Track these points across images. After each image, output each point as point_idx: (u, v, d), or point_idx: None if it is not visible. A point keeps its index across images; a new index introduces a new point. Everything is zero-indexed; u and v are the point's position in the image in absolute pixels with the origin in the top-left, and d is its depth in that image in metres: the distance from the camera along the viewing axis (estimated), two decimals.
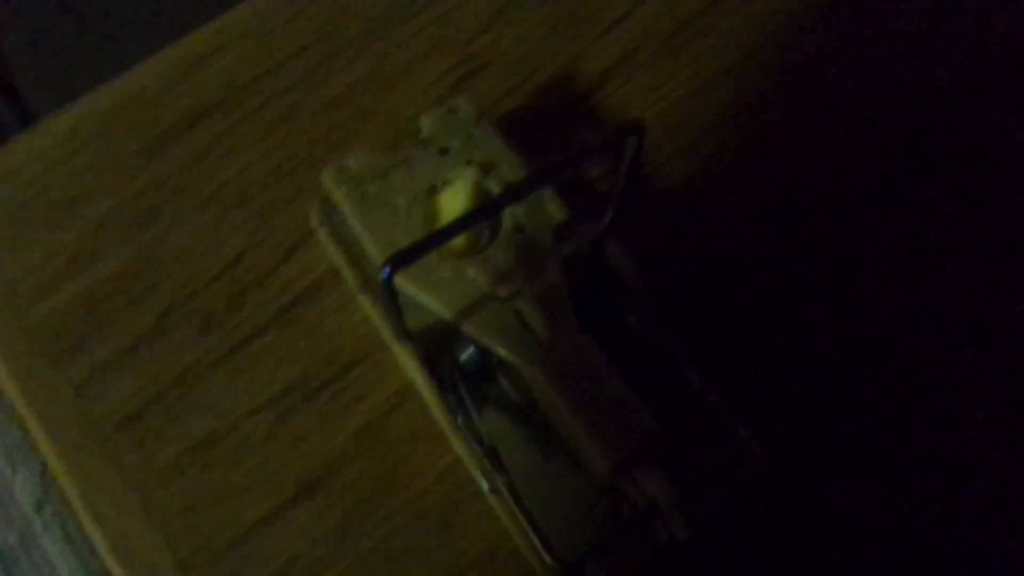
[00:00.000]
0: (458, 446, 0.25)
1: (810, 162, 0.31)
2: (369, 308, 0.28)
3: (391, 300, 0.21)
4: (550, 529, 0.24)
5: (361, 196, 0.27)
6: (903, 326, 0.29)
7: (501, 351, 0.24)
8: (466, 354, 0.25)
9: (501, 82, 0.32)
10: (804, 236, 0.30)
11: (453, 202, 0.26)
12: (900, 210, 0.31)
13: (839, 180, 0.31)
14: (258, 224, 0.30)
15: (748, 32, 0.33)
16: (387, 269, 0.20)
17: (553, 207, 0.28)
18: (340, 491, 0.26)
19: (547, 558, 0.23)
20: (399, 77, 0.33)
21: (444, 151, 0.27)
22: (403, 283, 0.25)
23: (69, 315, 0.29)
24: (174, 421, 0.28)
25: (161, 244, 0.30)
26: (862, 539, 0.26)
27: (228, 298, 0.29)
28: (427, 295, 0.25)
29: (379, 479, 0.26)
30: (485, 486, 0.24)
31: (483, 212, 0.21)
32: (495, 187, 0.27)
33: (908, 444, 0.27)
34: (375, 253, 0.26)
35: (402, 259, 0.20)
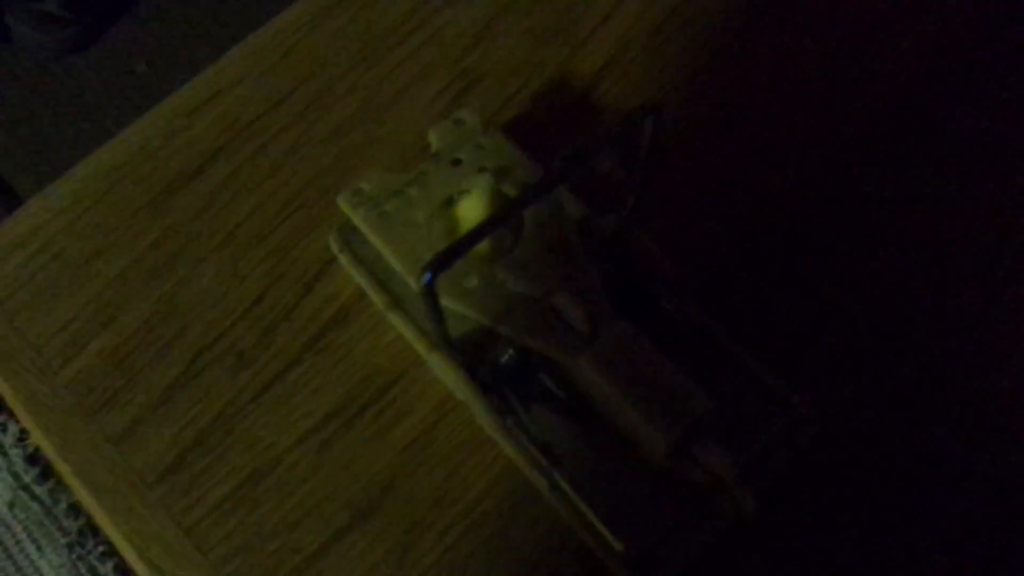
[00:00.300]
0: (509, 449, 0.25)
1: (822, 138, 0.32)
2: (401, 326, 0.28)
3: (433, 306, 0.21)
4: (612, 519, 0.24)
5: (380, 216, 0.27)
6: (935, 304, 0.29)
7: (542, 348, 0.24)
8: (505, 356, 0.25)
9: (497, 93, 0.33)
10: (820, 213, 0.30)
11: (472, 210, 0.27)
12: (911, 183, 0.31)
13: (848, 154, 0.31)
14: (276, 260, 0.31)
15: (737, 12, 0.34)
16: (427, 274, 0.20)
17: (571, 205, 0.28)
18: (394, 511, 0.26)
19: (618, 544, 0.22)
20: (396, 101, 0.33)
21: (456, 162, 0.28)
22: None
23: (98, 372, 0.29)
24: (217, 462, 0.27)
25: (181, 292, 0.30)
26: (924, 490, 0.26)
27: (256, 335, 0.29)
28: (460, 304, 0.25)
29: (431, 494, 0.26)
30: (544, 484, 0.24)
31: (513, 207, 0.22)
32: (512, 190, 0.27)
33: (950, 389, 0.27)
34: (403, 269, 0.26)
35: (441, 262, 0.20)
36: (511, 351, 0.25)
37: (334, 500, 0.26)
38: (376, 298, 0.28)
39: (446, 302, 0.25)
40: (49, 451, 0.28)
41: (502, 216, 0.21)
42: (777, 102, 0.32)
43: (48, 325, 0.30)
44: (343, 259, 0.29)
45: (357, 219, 0.27)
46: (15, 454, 0.37)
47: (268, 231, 0.31)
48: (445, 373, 0.26)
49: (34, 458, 0.36)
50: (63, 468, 0.28)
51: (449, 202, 0.27)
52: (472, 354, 0.26)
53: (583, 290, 0.25)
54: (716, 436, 0.23)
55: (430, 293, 0.20)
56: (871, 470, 0.26)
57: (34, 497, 0.36)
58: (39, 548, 0.35)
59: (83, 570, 0.35)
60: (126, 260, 0.31)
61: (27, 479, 0.36)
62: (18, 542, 0.36)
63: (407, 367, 0.28)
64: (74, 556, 0.35)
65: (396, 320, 0.28)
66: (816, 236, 0.30)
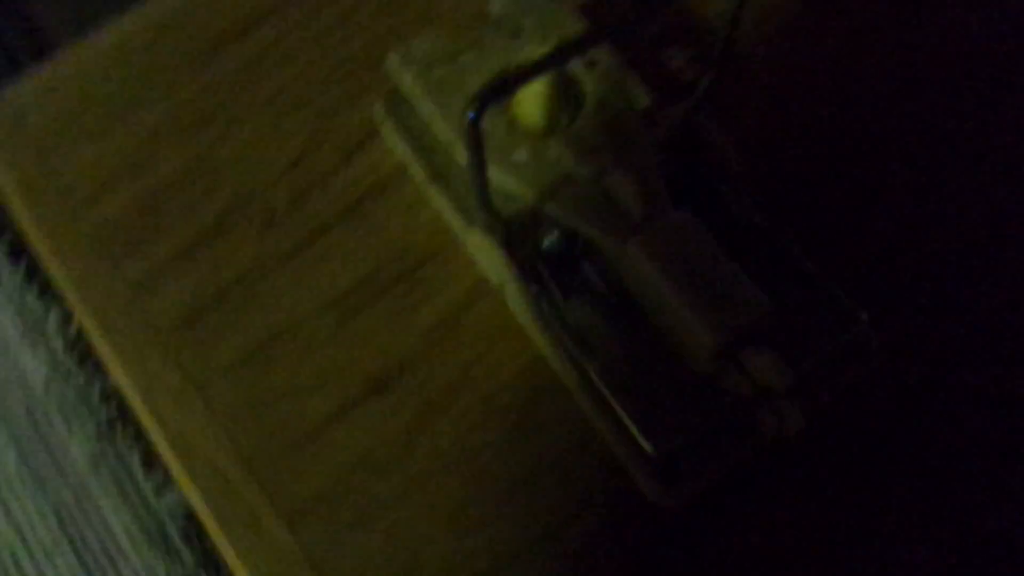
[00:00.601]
0: (540, 338, 0.24)
1: (913, 45, 0.29)
2: (440, 200, 0.26)
3: (477, 145, 0.19)
4: (643, 420, 0.22)
5: (429, 81, 0.25)
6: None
7: (588, 231, 0.23)
8: (549, 240, 0.24)
9: None
10: (906, 125, 0.28)
11: (534, 83, 0.25)
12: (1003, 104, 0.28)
13: (939, 67, 0.29)
14: (318, 126, 0.29)
15: None
16: (474, 109, 0.18)
17: (638, 93, 0.26)
18: (412, 389, 0.25)
19: (647, 445, 0.21)
20: None
21: (517, 32, 0.26)
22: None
23: (125, 218, 0.28)
24: (236, 320, 0.26)
25: (218, 148, 0.29)
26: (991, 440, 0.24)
27: (290, 197, 0.28)
28: (507, 178, 0.24)
29: (451, 378, 0.25)
30: (574, 377, 0.22)
31: (577, 45, 0.19)
32: (576, 65, 0.25)
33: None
34: (449, 137, 0.25)
35: (490, 95, 0.18)
36: (556, 234, 0.24)
37: (350, 371, 0.25)
38: (417, 169, 0.26)
39: (493, 172, 0.24)
40: (68, 293, 0.28)
41: (563, 54, 0.19)
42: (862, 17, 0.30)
43: (81, 168, 0.29)
44: (387, 127, 0.27)
45: (405, 82, 0.26)
46: (56, 336, 0.37)
47: (313, 96, 0.30)
48: (481, 252, 0.24)
49: (74, 342, 0.36)
50: (81, 310, 0.27)
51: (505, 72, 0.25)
52: (513, 234, 0.24)
53: (641, 173, 0.23)
54: (770, 344, 0.21)
55: (475, 132, 0.19)
56: (928, 410, 0.24)
57: (70, 379, 0.36)
58: (70, 429, 0.35)
59: (111, 456, 0.35)
60: (165, 112, 0.30)
61: (67, 361, 0.36)
62: (50, 422, 0.36)
63: (442, 246, 0.27)
64: (104, 442, 0.35)
65: (436, 194, 0.26)
66: (901, 162, 0.28)
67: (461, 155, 0.24)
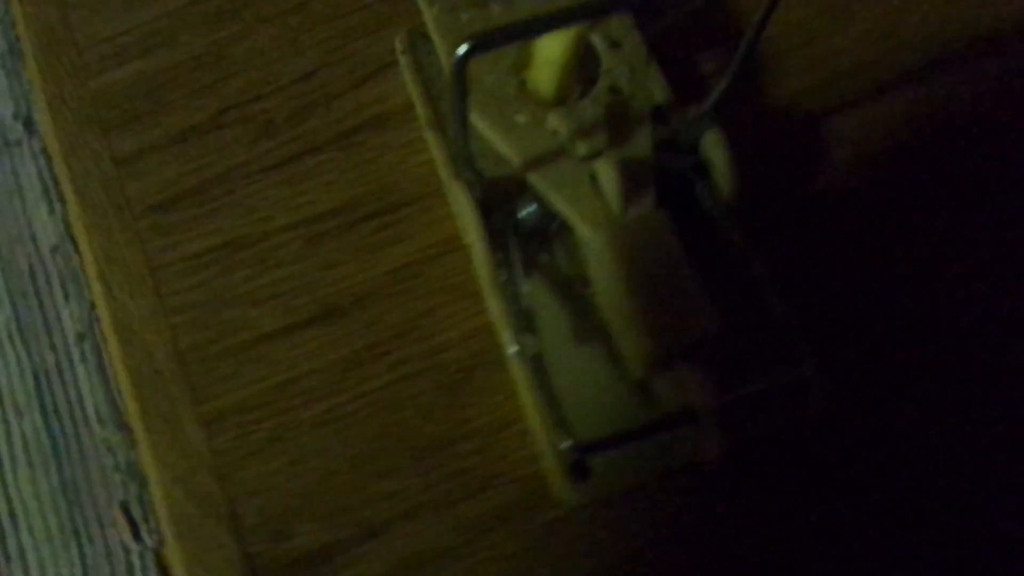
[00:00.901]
0: (493, 304, 0.23)
1: (944, 102, 0.27)
2: (434, 147, 0.26)
3: (461, 93, 0.18)
4: (568, 414, 0.22)
5: (452, 22, 0.25)
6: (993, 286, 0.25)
7: (565, 210, 0.22)
8: (526, 211, 0.23)
9: None
10: (917, 180, 0.26)
11: (551, 47, 0.24)
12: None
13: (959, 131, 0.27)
14: (340, 44, 0.29)
15: None
16: (463, 49, 0.17)
17: (656, 87, 0.25)
18: (359, 325, 0.25)
19: (561, 437, 0.20)
20: None
21: None
22: (476, 119, 0.23)
23: (129, 91, 0.28)
24: (208, 217, 0.26)
25: (236, 43, 0.29)
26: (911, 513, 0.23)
27: (292, 109, 0.28)
28: (499, 137, 0.23)
29: (402, 324, 0.25)
30: (513, 351, 0.22)
31: (585, 11, 0.19)
32: (599, 42, 0.24)
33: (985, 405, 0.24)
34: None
35: (485, 41, 0.17)
36: (535, 207, 0.23)
37: (304, 293, 0.25)
38: (421, 110, 0.26)
39: (486, 127, 0.23)
40: (56, 153, 0.28)
41: (570, 15, 0.18)
42: (917, 61, 0.28)
43: (98, 32, 0.29)
44: (403, 61, 0.27)
45: (430, 18, 0.25)
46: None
47: (342, 12, 0.29)
48: (459, 206, 0.24)
49: None
50: (63, 169, 0.27)
51: None
52: (494, 198, 0.23)
53: (632, 167, 0.22)
54: (708, 364, 0.20)
55: (459, 73, 0.18)
56: (871, 470, 0.23)
57: (77, 249, 0.36)
58: (66, 297, 0.36)
59: (96, 335, 0.35)
60: None
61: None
62: (50, 287, 0.36)
63: (427, 193, 0.26)
64: (94, 315, 0.35)
65: (432, 139, 0.25)
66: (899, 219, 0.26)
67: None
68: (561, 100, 0.24)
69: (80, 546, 0.41)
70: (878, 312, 0.24)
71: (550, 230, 0.23)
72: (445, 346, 0.24)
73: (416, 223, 0.26)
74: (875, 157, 0.26)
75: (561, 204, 0.22)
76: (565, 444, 0.20)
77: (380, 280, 0.25)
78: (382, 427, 0.23)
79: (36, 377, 0.43)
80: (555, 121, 0.23)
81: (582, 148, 0.22)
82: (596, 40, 0.24)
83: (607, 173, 0.22)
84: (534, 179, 0.22)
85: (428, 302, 0.25)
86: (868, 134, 0.27)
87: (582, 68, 0.24)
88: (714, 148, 0.23)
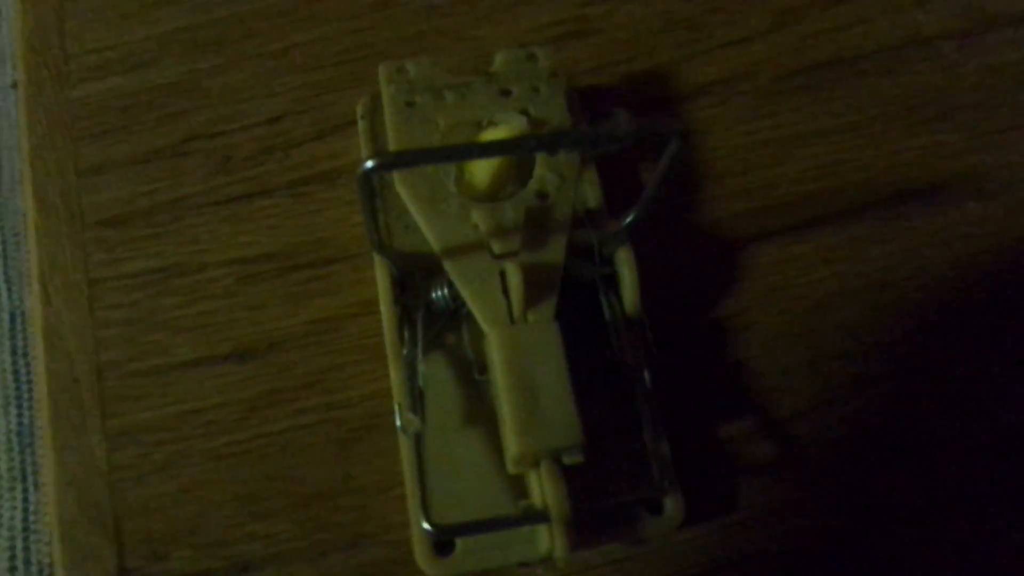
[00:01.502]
0: (393, 376, 0.25)
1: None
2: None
3: (367, 200, 0.20)
4: (443, 493, 0.23)
5: (406, 103, 0.26)
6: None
7: (471, 302, 0.24)
8: (439, 292, 0.24)
9: (598, 55, 0.31)
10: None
11: None
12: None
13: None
14: (310, 94, 0.30)
15: (867, 101, 0.31)
16: (368, 165, 0.19)
17: (591, 192, 0.26)
18: (271, 369, 0.26)
19: (423, 517, 0.22)
20: (503, 10, 0.32)
21: (505, 92, 0.27)
22: (408, 198, 0.25)
23: (105, 105, 0.30)
24: (152, 240, 0.28)
25: (213, 76, 0.30)
26: None
27: (252, 150, 0.29)
28: (425, 221, 0.25)
29: (311, 374, 0.26)
30: (397, 422, 0.23)
31: (488, 149, 0.20)
32: None
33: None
34: None
35: (385, 163, 0.19)
36: (447, 290, 0.24)
37: (225, 329, 0.26)
38: None
39: (415, 209, 0.25)
40: (23, 155, 0.29)
41: (466, 155, 0.20)
42: (855, 206, 0.30)
43: (88, 43, 0.31)
44: (361, 125, 0.28)
45: (385, 93, 0.26)
46: None
47: (319, 65, 0.31)
48: (379, 274, 0.25)
49: None
50: (25, 172, 0.29)
51: (477, 126, 0.26)
52: (409, 272, 0.25)
53: (540, 273, 0.23)
54: (564, 473, 0.21)
55: (365, 185, 0.19)
56: None
57: None
58: None
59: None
60: (184, 23, 0.31)
61: None
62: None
63: (360, 253, 0.27)
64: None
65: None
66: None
67: (403, 183, 0.25)
68: (493, 195, 0.25)
69: (25, 491, 0.43)
70: (753, 443, 0.26)
71: (461, 313, 0.25)
72: (346, 403, 0.26)
73: (344, 280, 0.27)
74: (786, 290, 0.28)
75: (468, 295, 0.24)
76: (425, 526, 0.22)
77: (299, 329, 0.27)
78: (272, 470, 0.25)
79: (12, 317, 0.44)
80: (477, 217, 0.24)
81: (496, 247, 0.24)
82: None
83: (514, 276, 0.23)
84: (449, 266, 0.24)
85: (339, 358, 0.26)
86: (784, 268, 0.28)
87: (520, 168, 0.25)
88: (623, 265, 0.25)
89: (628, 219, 0.24)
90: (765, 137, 0.30)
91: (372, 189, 0.20)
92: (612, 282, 0.25)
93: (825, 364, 0.27)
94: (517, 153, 0.23)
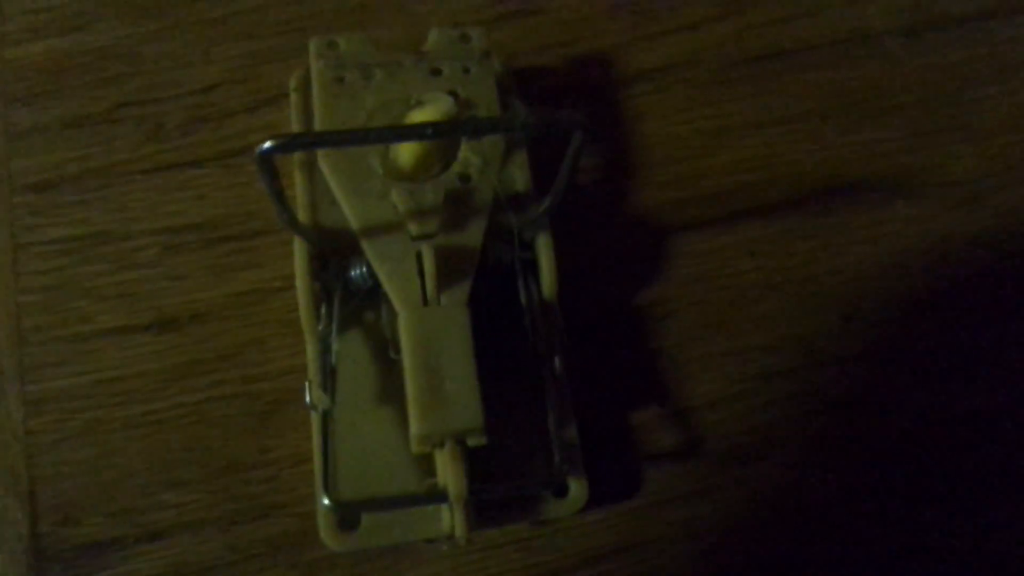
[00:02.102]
0: (308, 351, 0.25)
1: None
2: (299, 188, 0.27)
3: (268, 181, 0.20)
4: (349, 469, 0.23)
5: (334, 79, 0.26)
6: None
7: (386, 283, 0.24)
8: (357, 271, 0.25)
9: (540, 35, 0.31)
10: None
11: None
12: None
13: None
14: (246, 64, 0.30)
15: (807, 95, 0.31)
16: (265, 146, 0.19)
17: (519, 176, 0.26)
18: (191, 340, 0.26)
19: (325, 494, 0.22)
20: None
21: (436, 72, 0.26)
22: (328, 174, 0.25)
23: (38, 67, 0.29)
24: (78, 206, 0.28)
25: (149, 41, 0.30)
26: None
27: (184, 119, 0.29)
28: (345, 198, 0.25)
29: (230, 347, 0.26)
30: (307, 398, 0.24)
31: (386, 135, 0.20)
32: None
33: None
34: None
35: (282, 145, 0.19)
36: (365, 268, 0.25)
37: (147, 299, 0.27)
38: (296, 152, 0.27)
39: (334, 185, 0.25)
40: None
41: (367, 139, 0.20)
42: (781, 206, 0.30)
43: (25, 3, 0.30)
44: (292, 98, 0.28)
45: (314, 68, 0.26)
46: None
47: (257, 34, 0.30)
48: (296, 250, 0.25)
49: None
50: None
51: (404, 103, 0.26)
52: (328, 249, 0.25)
53: (455, 256, 0.24)
54: (466, 454, 0.22)
55: (264, 166, 0.20)
56: None
57: None
58: None
59: None
60: None
61: None
62: None
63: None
64: None
65: (299, 180, 0.27)
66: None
67: (324, 160, 0.25)
68: (416, 176, 0.25)
69: None
70: (663, 430, 0.26)
71: (379, 291, 0.25)
72: (264, 376, 0.26)
73: (269, 254, 0.27)
74: (709, 280, 0.28)
75: (383, 275, 0.24)
76: (326, 502, 0.22)
77: (221, 301, 0.27)
78: (187, 440, 0.25)
79: None
80: (396, 197, 0.24)
81: (414, 228, 0.24)
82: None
83: (428, 258, 0.23)
84: (366, 245, 0.24)
85: (260, 331, 0.26)
86: (709, 258, 0.29)
87: (446, 150, 0.26)
88: (542, 250, 0.25)
89: (543, 205, 0.24)
90: (701, 127, 0.30)
91: (273, 169, 0.20)
92: (531, 267, 0.25)
93: (741, 355, 0.27)
94: (411, 139, 0.23)
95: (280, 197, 0.21)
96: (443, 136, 0.23)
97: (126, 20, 0.30)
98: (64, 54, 0.30)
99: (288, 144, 0.20)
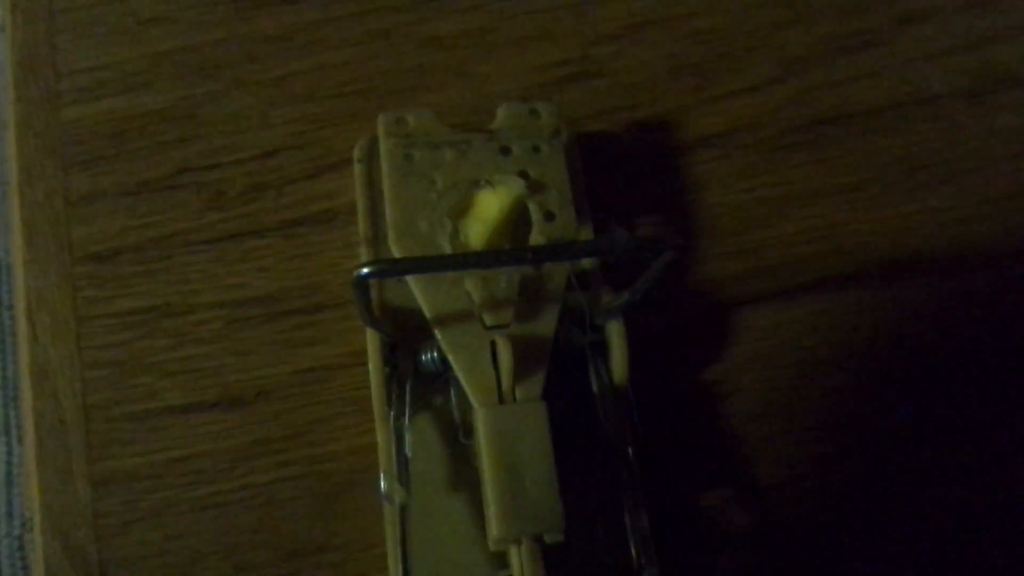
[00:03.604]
0: (380, 436, 0.25)
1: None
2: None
3: (361, 299, 0.20)
4: (423, 559, 0.23)
5: (404, 157, 0.26)
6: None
7: (460, 372, 0.24)
8: (428, 356, 0.24)
9: (602, 99, 0.31)
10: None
11: (489, 206, 0.25)
12: None
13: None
14: (307, 128, 0.30)
15: (868, 161, 0.30)
16: (363, 272, 0.19)
17: (591, 266, 0.26)
18: (257, 418, 0.26)
19: None
20: (508, 46, 0.31)
21: (506, 150, 0.26)
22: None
23: (96, 129, 0.29)
24: (142, 277, 0.27)
25: (209, 103, 0.30)
26: None
27: (245, 185, 0.29)
28: (418, 285, 0.24)
29: (297, 425, 0.26)
30: (382, 489, 0.24)
31: (483, 261, 0.20)
32: (535, 210, 0.25)
33: None
34: (392, 217, 0.25)
35: (379, 272, 0.19)
36: (436, 354, 0.24)
37: (214, 375, 0.26)
38: (361, 224, 0.27)
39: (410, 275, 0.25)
40: (13, 175, 0.29)
41: (464, 264, 0.20)
42: (850, 276, 0.30)
43: (80, 60, 0.30)
44: (357, 169, 0.28)
45: (383, 147, 0.26)
46: None
47: (317, 95, 0.30)
48: (369, 341, 0.25)
49: None
50: (14, 201, 0.28)
51: (475, 183, 0.26)
52: (407, 329, 0.25)
53: (530, 347, 0.24)
54: (544, 555, 0.22)
55: (360, 288, 0.19)
56: None
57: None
58: None
59: None
60: (182, 43, 0.30)
61: None
62: None
63: (350, 301, 0.27)
64: None
65: (365, 253, 0.27)
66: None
67: (395, 244, 0.25)
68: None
69: (8, 444, 0.43)
70: (730, 513, 0.26)
71: (448, 376, 0.25)
72: (332, 456, 0.26)
73: (334, 328, 0.27)
74: (773, 357, 0.28)
75: (457, 365, 0.24)
76: None
77: (287, 378, 0.27)
78: (256, 521, 0.25)
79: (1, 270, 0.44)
80: (470, 286, 0.24)
81: (488, 319, 0.24)
82: (532, 208, 0.25)
83: (504, 351, 0.23)
84: (439, 334, 0.24)
85: (326, 409, 0.26)
86: (774, 333, 0.28)
87: (516, 231, 0.25)
88: (614, 337, 0.25)
89: (620, 300, 0.23)
90: (763, 195, 0.30)
91: (367, 289, 0.20)
92: (601, 351, 0.25)
93: (806, 434, 0.27)
94: (512, 265, 0.22)
95: (369, 309, 0.21)
96: (546, 262, 0.23)
97: (184, 80, 0.30)
98: (123, 115, 0.29)
99: (386, 271, 0.19)
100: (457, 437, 0.25)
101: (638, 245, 0.19)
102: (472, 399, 0.23)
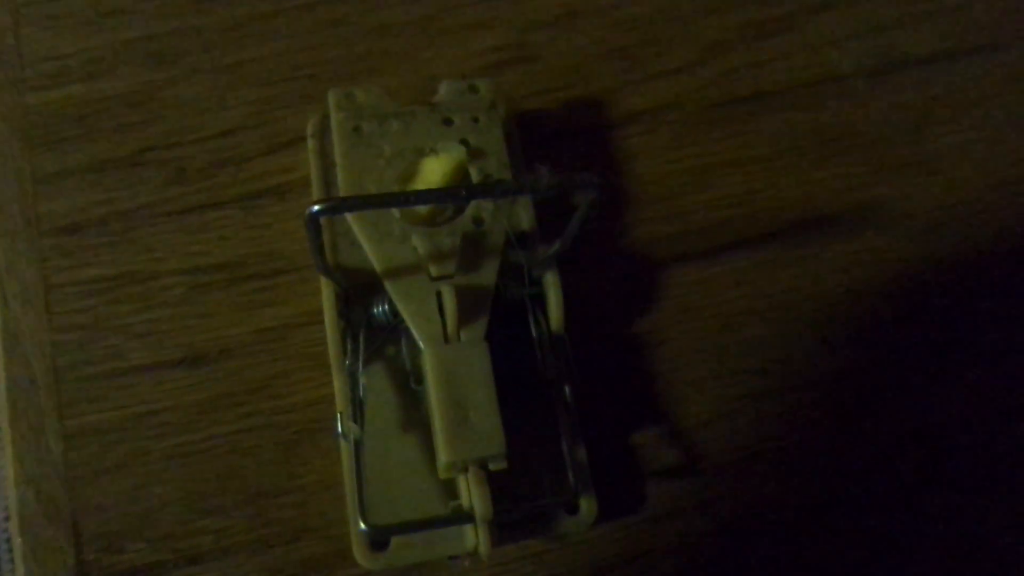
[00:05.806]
0: (336, 385, 0.27)
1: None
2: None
3: (314, 237, 0.22)
4: (379, 494, 0.25)
5: (354, 129, 0.28)
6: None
7: (409, 321, 0.26)
8: (380, 308, 0.26)
9: (538, 81, 0.33)
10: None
11: (432, 172, 0.27)
12: None
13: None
14: (262, 109, 0.32)
15: (782, 134, 0.33)
16: (314, 208, 0.21)
17: (524, 215, 0.29)
18: (220, 374, 0.28)
19: (361, 519, 0.24)
20: (450, 34, 0.34)
21: (448, 121, 0.28)
22: (353, 221, 0.27)
23: (61, 113, 0.31)
24: (106, 248, 0.29)
25: (169, 87, 0.31)
26: None
27: (205, 162, 0.31)
28: (368, 242, 0.26)
29: (258, 380, 0.28)
30: (338, 428, 0.26)
31: (423, 197, 0.23)
32: (475, 175, 0.28)
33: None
34: (343, 185, 0.27)
35: (331, 208, 0.21)
36: (387, 306, 0.27)
37: (177, 336, 0.28)
38: (316, 194, 0.29)
39: (358, 230, 0.27)
40: None
41: (407, 201, 0.22)
42: (770, 233, 0.32)
43: (44, 49, 0.32)
44: (310, 143, 0.30)
45: (334, 120, 0.28)
46: None
47: (272, 80, 0.32)
48: (324, 292, 0.27)
49: None
50: None
51: (419, 152, 0.28)
52: (358, 285, 0.27)
53: (472, 295, 0.26)
54: (489, 478, 0.24)
55: (312, 226, 0.21)
56: None
57: None
58: None
59: None
60: (140, 32, 0.32)
61: None
62: None
63: (306, 266, 0.29)
64: None
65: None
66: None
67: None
68: (432, 219, 0.27)
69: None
70: (661, 449, 0.29)
71: (400, 327, 0.27)
72: (292, 408, 0.28)
73: (291, 291, 0.29)
74: (699, 309, 0.31)
75: (406, 314, 0.26)
76: (362, 527, 0.24)
77: (248, 337, 0.28)
78: (220, 469, 0.27)
79: None
80: (416, 241, 0.26)
81: (433, 270, 0.26)
82: (473, 172, 0.28)
83: (449, 298, 0.25)
84: (389, 286, 0.26)
85: (285, 365, 0.28)
86: (699, 289, 0.31)
87: None
88: (550, 287, 0.27)
89: (552, 249, 0.26)
90: (687, 165, 0.33)
91: (319, 227, 0.22)
92: (539, 301, 0.28)
93: (730, 378, 0.30)
94: (448, 201, 0.25)
95: (321, 250, 0.23)
96: (477, 198, 0.25)
97: (145, 66, 0.32)
98: (87, 100, 0.31)
99: (336, 207, 0.21)
100: (408, 383, 0.27)
101: (560, 182, 0.21)
102: (420, 342, 0.25)
